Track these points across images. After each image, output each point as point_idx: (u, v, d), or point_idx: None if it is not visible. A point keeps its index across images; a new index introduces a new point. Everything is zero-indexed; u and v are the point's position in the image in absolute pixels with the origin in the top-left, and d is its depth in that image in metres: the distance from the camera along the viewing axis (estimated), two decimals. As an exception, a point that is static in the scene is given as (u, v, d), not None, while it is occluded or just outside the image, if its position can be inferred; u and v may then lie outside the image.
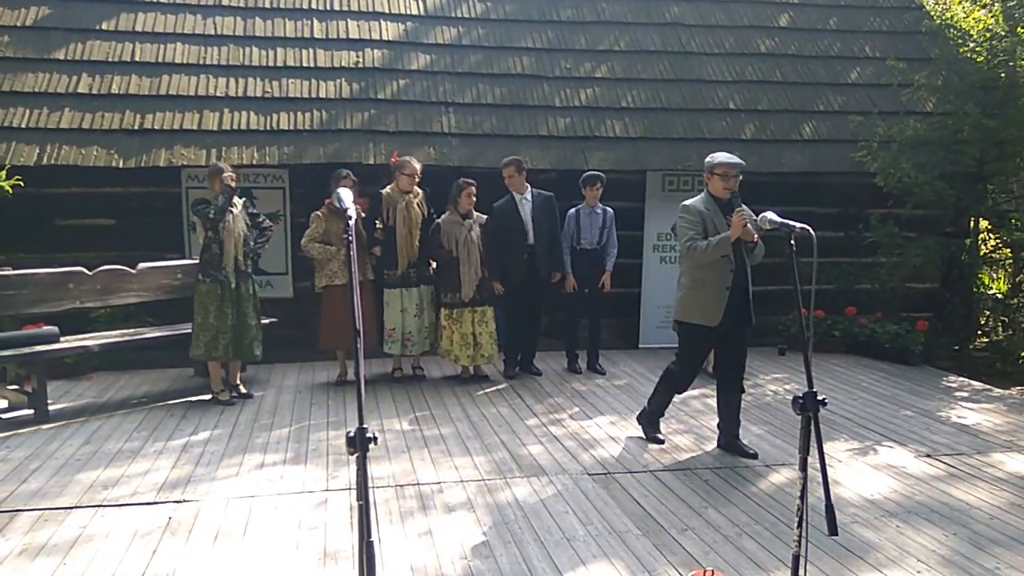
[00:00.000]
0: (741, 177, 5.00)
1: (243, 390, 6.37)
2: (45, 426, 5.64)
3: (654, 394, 5.45)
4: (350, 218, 2.35)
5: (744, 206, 4.77)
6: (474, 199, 6.59)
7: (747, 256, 4.98)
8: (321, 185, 6.90)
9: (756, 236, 4.78)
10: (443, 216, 6.62)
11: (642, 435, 5.51)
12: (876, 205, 8.24)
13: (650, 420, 5.49)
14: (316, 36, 8.35)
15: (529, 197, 6.89)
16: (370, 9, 8.71)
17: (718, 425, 5.38)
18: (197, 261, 6.21)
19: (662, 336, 7.96)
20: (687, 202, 5.07)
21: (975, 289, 8.58)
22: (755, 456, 5.14)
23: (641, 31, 9.09)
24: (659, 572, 3.64)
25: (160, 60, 7.83)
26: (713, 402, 6.36)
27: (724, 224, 4.87)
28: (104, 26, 7.98)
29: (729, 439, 5.26)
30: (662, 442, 5.39)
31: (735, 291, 4.92)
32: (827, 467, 2.65)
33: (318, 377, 7.01)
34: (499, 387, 6.75)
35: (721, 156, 5.03)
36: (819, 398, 2.66)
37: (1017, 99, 7.76)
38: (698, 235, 4.91)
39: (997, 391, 6.96)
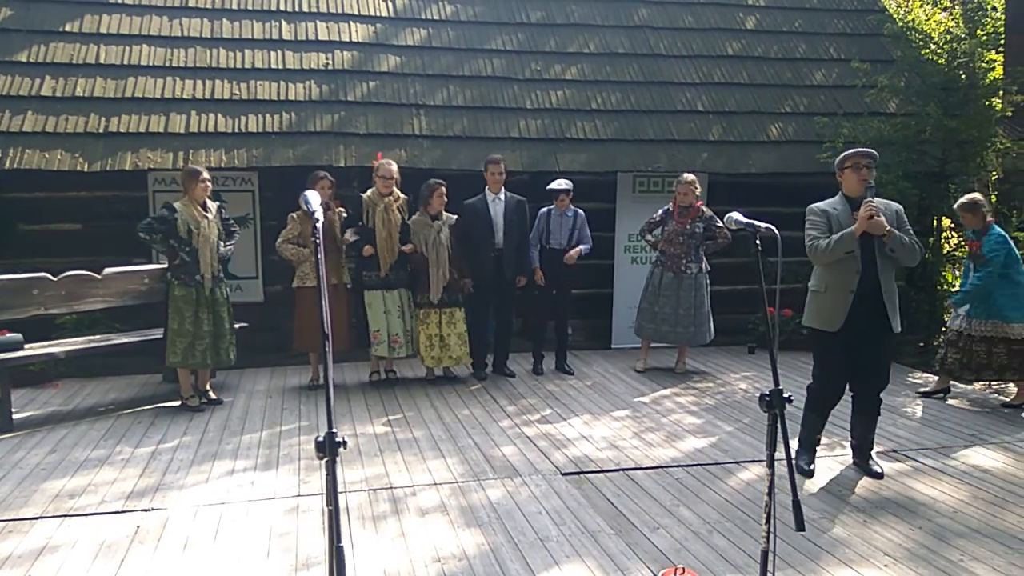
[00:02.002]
0: (874, 169, 4.69)
1: (212, 396, 6.31)
2: (9, 435, 5.53)
3: (802, 420, 5.01)
4: (317, 220, 2.36)
5: (875, 198, 4.51)
6: (445, 200, 6.59)
7: (879, 255, 4.59)
8: (291, 188, 6.80)
9: (887, 228, 4.47)
10: (413, 217, 6.62)
11: (615, 434, 5.55)
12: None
13: (802, 447, 4.99)
14: (285, 38, 8.30)
15: (503, 198, 6.91)
16: (339, 11, 8.68)
17: (852, 444, 5.04)
18: (165, 266, 6.11)
19: (634, 337, 8.01)
20: (813, 204, 4.81)
21: (939, 287, 8.74)
22: (880, 476, 4.80)
23: (610, 33, 9.15)
24: (631, 571, 3.66)
25: (125, 62, 7.73)
26: (684, 400, 6.45)
27: (853, 222, 4.56)
28: (68, 28, 7.86)
29: (858, 457, 4.96)
30: (810, 475, 4.88)
31: (864, 295, 4.57)
32: (793, 464, 2.69)
33: (290, 381, 6.96)
34: (472, 389, 6.75)
35: (847, 152, 4.74)
36: (785, 395, 2.70)
37: (977, 100, 7.93)
38: (822, 235, 4.64)
39: (961, 387, 7.10)
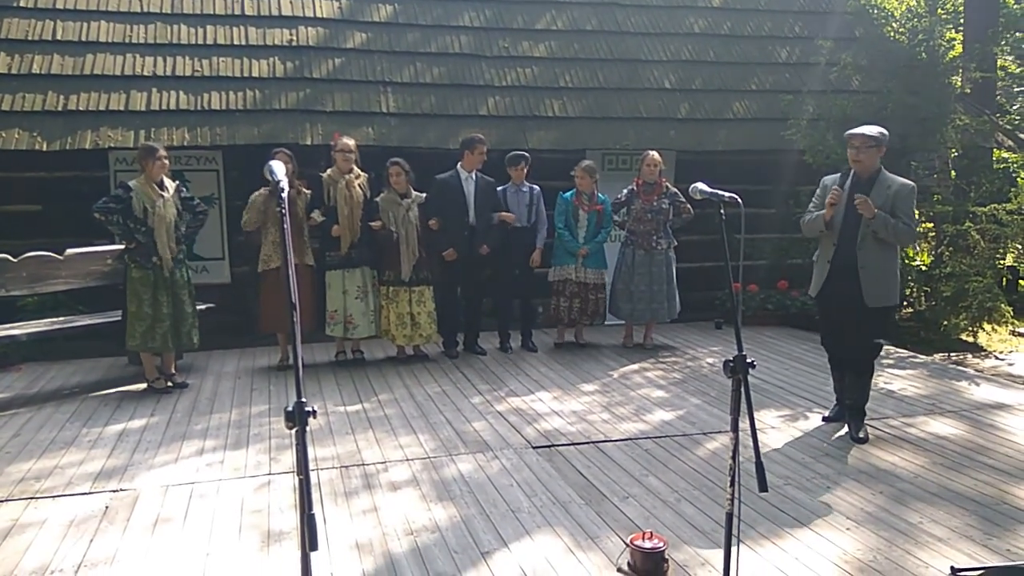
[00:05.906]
0: (867, 147, 4.82)
1: (178, 379, 6.22)
2: (-29, 419, 5.45)
3: None
4: (283, 190, 2.33)
5: (841, 189, 4.92)
6: (403, 177, 6.52)
7: (864, 232, 4.83)
8: (257, 167, 6.74)
9: (873, 212, 4.73)
10: (381, 195, 6.58)
11: (585, 408, 5.61)
12: (806, 182, 8.48)
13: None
14: (247, 13, 8.16)
15: (474, 177, 6.87)
16: (303, -14, 8.55)
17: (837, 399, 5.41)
18: (123, 247, 5.99)
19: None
20: (826, 176, 5.24)
21: (903, 262, 8.91)
22: (862, 441, 5.01)
23: (577, 10, 9.13)
24: (602, 539, 3.73)
25: (83, 39, 7.55)
26: (653, 374, 6.54)
27: (848, 199, 4.88)
28: (22, 3, 7.65)
29: (848, 419, 5.19)
30: (828, 420, 5.38)
31: (840, 267, 4.94)
32: (759, 431, 2.75)
33: (259, 362, 6.91)
34: (443, 366, 6.76)
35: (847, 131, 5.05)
36: (748, 360, 2.75)
37: (937, 78, 8.07)
38: (815, 207, 5.15)
39: (921, 358, 7.28)
